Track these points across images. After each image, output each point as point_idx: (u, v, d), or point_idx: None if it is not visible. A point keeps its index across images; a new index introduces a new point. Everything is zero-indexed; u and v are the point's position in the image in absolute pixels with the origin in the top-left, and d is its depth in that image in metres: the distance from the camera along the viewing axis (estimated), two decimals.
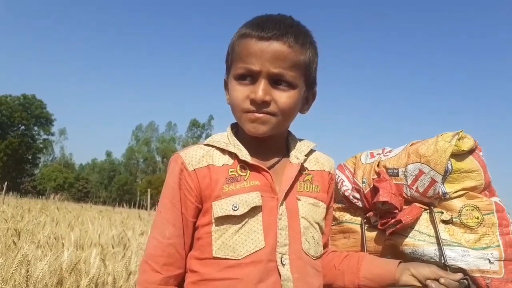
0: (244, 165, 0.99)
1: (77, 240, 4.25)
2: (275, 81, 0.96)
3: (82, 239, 4.50)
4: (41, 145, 65.61)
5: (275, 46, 0.94)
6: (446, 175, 1.14)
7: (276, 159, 1.04)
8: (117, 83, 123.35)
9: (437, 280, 0.99)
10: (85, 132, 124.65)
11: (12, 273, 2.48)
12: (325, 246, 1.14)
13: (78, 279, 2.77)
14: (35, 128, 63.51)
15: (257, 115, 0.95)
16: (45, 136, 66.20)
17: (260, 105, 0.94)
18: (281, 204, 0.97)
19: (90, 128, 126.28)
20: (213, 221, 0.95)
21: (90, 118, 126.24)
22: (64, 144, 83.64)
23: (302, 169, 1.04)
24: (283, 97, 0.96)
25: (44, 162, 76.88)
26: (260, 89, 0.93)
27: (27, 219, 5.73)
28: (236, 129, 1.08)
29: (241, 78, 0.97)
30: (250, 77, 0.96)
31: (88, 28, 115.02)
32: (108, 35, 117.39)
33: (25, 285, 2.41)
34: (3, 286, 2.34)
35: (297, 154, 1.05)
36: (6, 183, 14.80)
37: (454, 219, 1.14)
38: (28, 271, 2.41)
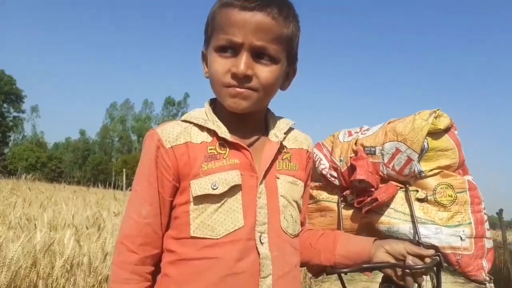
0: (223, 142, 0.96)
1: (50, 221, 4.17)
2: (258, 54, 0.92)
3: (55, 220, 4.42)
4: (11, 123, 63.56)
5: (259, 17, 0.90)
6: (422, 153, 1.15)
7: (255, 137, 1.01)
8: (91, 59, 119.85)
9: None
10: (58, 110, 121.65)
11: None
12: (302, 224, 1.14)
13: (52, 261, 2.73)
14: (5, 105, 61.40)
15: (238, 89, 0.92)
16: (15, 114, 64.18)
17: (242, 79, 0.91)
18: (261, 182, 0.95)
19: (63, 105, 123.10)
20: (191, 200, 0.92)
21: (63, 95, 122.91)
22: (36, 122, 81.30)
23: (281, 147, 1.02)
24: (265, 71, 0.93)
25: (14, 141, 74.64)
26: (242, 63, 0.90)
27: None
28: (214, 105, 1.04)
29: (221, 50, 0.93)
30: (232, 49, 0.92)
31: (60, 2, 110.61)
32: (82, 10, 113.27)
33: None
34: None
35: (276, 132, 1.03)
36: None
37: (428, 197, 1.16)
38: (0, 253, 2.36)
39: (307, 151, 1.10)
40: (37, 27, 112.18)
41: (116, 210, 5.96)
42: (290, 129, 1.08)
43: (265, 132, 1.04)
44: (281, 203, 0.98)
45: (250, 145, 0.99)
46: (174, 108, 79.17)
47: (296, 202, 1.03)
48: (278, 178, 0.99)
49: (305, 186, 1.10)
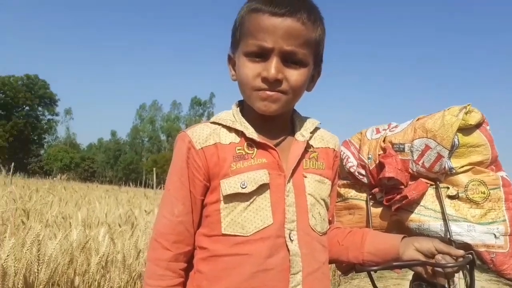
0: (251, 143, 0.98)
1: (84, 219, 4.31)
2: (287, 58, 0.94)
3: (89, 218, 4.56)
4: (46, 126, 65.83)
5: (289, 23, 0.91)
6: (453, 150, 1.13)
7: (282, 137, 1.03)
8: (119, 62, 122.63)
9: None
10: (90, 112, 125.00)
11: (25, 252, 2.53)
12: (330, 222, 1.14)
13: (88, 258, 2.82)
14: (39, 108, 63.60)
15: (269, 93, 0.94)
16: (49, 117, 66.40)
17: (273, 83, 0.93)
18: (288, 181, 0.97)
19: (94, 107, 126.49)
20: (222, 198, 0.95)
21: (94, 97, 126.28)
22: (69, 124, 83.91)
23: (307, 147, 1.03)
24: (295, 75, 0.94)
25: (49, 143, 77.31)
26: (273, 67, 0.91)
27: (35, 199, 5.80)
28: (242, 107, 1.07)
29: (251, 55, 0.94)
30: (262, 54, 0.94)
31: (89, 7, 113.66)
32: (110, 14, 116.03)
33: (37, 264, 2.46)
34: (16, 265, 2.39)
35: (302, 131, 1.05)
36: (13, 164, 14.92)
37: (460, 194, 1.14)
38: (39, 251, 2.46)
39: (334, 150, 1.10)
40: (69, 32, 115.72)
41: (148, 208, 6.08)
42: (316, 129, 1.10)
43: (292, 132, 1.05)
44: (309, 201, 0.99)
45: (277, 145, 1.01)
46: (200, 108, 79.99)
47: (324, 200, 1.04)
48: (306, 176, 1.01)
49: (332, 184, 1.10)
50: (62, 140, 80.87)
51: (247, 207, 0.94)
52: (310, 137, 1.05)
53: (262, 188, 0.94)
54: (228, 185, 0.94)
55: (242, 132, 0.98)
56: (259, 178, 0.94)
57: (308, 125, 1.07)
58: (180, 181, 0.98)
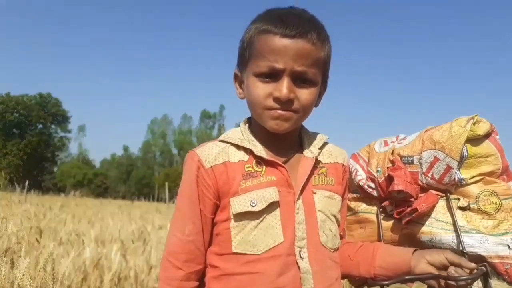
0: (259, 160, 0.99)
1: (97, 236, 4.34)
2: (297, 78, 0.95)
3: (102, 235, 4.59)
4: (59, 143, 66.72)
5: (300, 44, 0.93)
6: (462, 161, 1.13)
7: (290, 154, 1.04)
8: (128, 78, 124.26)
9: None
10: (102, 128, 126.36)
11: (39, 271, 2.55)
12: (341, 237, 1.14)
13: (101, 275, 2.84)
14: (52, 126, 64.51)
15: (281, 112, 0.95)
16: (62, 134, 67.30)
17: (285, 103, 0.94)
18: (298, 198, 0.97)
19: (106, 123, 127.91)
20: (232, 217, 0.96)
21: (105, 114, 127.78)
22: (82, 140, 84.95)
23: (316, 163, 1.04)
24: (305, 94, 0.96)
25: (62, 160, 78.20)
26: (285, 87, 0.93)
27: (49, 217, 5.86)
28: (249, 123, 1.08)
29: (262, 75, 0.96)
30: (273, 74, 0.95)
31: (99, 25, 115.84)
32: (119, 31, 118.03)
33: (52, 283, 2.48)
34: (31, 283, 2.41)
35: (311, 148, 1.05)
36: (27, 181, 15.12)
37: (471, 205, 1.12)
38: (53, 269, 2.48)
39: (343, 164, 1.11)
40: (80, 50, 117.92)
41: (160, 223, 6.11)
42: (325, 144, 1.10)
43: (300, 149, 1.06)
44: (319, 218, 0.99)
45: (285, 162, 1.01)
46: (210, 121, 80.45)
47: (335, 216, 1.04)
48: (315, 193, 1.01)
49: (343, 199, 1.10)
50: (75, 156, 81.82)
51: (257, 225, 0.94)
52: (319, 153, 1.06)
53: (272, 206, 0.95)
54: (238, 204, 0.95)
55: (250, 150, 0.99)
56: (269, 196, 0.95)
57: (316, 141, 1.07)
58: (190, 200, 0.99)
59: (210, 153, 1.00)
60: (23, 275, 2.34)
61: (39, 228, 4.22)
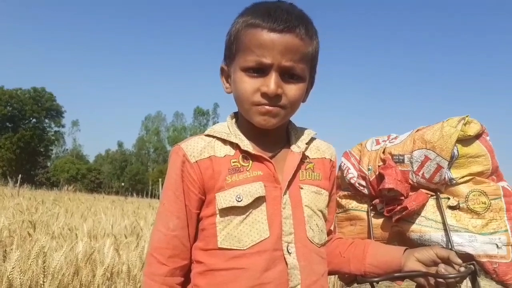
0: (246, 155, 0.98)
1: (90, 231, 4.32)
2: (285, 73, 0.94)
3: (95, 230, 4.58)
4: (52, 137, 66.31)
5: (288, 39, 0.92)
6: (452, 160, 1.14)
7: (277, 149, 1.03)
8: (124, 73, 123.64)
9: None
10: (97, 124, 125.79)
11: (30, 264, 2.54)
12: (329, 233, 1.15)
13: (93, 269, 2.83)
14: (46, 120, 64.14)
15: (268, 108, 0.94)
16: (56, 128, 66.92)
17: (272, 98, 0.93)
18: (284, 193, 0.97)
19: (101, 119, 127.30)
20: (217, 212, 0.95)
21: (100, 109, 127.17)
22: (76, 135, 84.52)
23: (303, 158, 1.04)
24: (293, 89, 0.95)
25: (56, 154, 77.81)
26: (273, 83, 0.92)
27: (41, 211, 5.83)
28: (236, 118, 1.07)
29: (249, 70, 0.95)
30: (260, 69, 0.94)
31: (93, 20, 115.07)
32: (113, 27, 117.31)
33: (43, 276, 2.48)
34: (21, 277, 2.40)
35: (298, 143, 1.05)
36: (20, 175, 15.04)
37: (461, 205, 1.14)
38: (45, 262, 2.47)
39: (330, 160, 1.11)
40: (73, 44, 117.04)
41: (153, 219, 6.10)
42: (312, 139, 1.10)
43: (287, 143, 1.06)
44: (306, 213, 0.99)
45: (272, 157, 1.01)
46: (204, 118, 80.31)
47: (321, 211, 1.04)
48: (302, 188, 1.01)
49: (330, 195, 1.10)
50: (69, 151, 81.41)
51: (243, 221, 0.93)
52: (306, 148, 1.05)
53: (258, 201, 0.94)
54: (224, 199, 0.94)
55: (237, 144, 0.98)
56: (255, 191, 0.94)
57: (304, 136, 1.07)
58: (174, 195, 0.97)
59: (195, 147, 0.98)
60: (13, 268, 2.33)
61: (32, 222, 4.21)
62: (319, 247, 1.01)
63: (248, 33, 0.94)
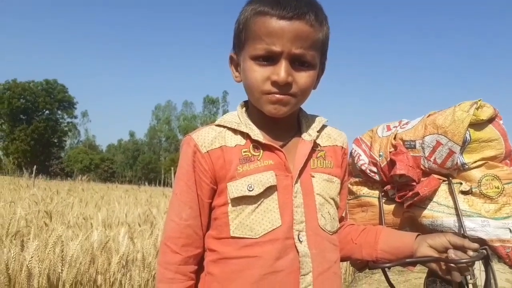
0: (256, 144, 0.98)
1: (104, 220, 4.40)
2: (295, 61, 0.94)
3: (109, 219, 4.65)
4: (66, 128, 67.06)
5: (297, 26, 0.91)
6: (465, 145, 1.12)
7: (288, 137, 1.03)
8: (133, 63, 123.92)
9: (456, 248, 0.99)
10: (109, 114, 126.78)
11: (48, 253, 2.60)
12: (341, 220, 1.15)
13: (109, 257, 2.89)
14: (59, 112, 64.79)
15: (279, 96, 0.94)
16: (68, 120, 67.61)
17: (283, 86, 0.93)
18: (296, 182, 0.97)
19: (113, 109, 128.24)
20: (229, 201, 0.95)
21: (112, 99, 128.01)
22: (87, 126, 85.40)
23: (314, 146, 1.03)
24: (304, 77, 0.95)
25: (71, 145, 78.74)
26: (283, 71, 0.91)
27: (56, 201, 5.94)
28: (246, 107, 1.07)
29: (259, 58, 0.94)
30: (270, 57, 0.93)
31: (104, 11, 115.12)
32: (123, 18, 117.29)
33: (61, 264, 2.54)
34: (40, 266, 2.46)
35: (309, 131, 1.05)
36: (35, 166, 15.28)
37: (473, 190, 1.12)
38: (62, 251, 2.53)
39: (342, 147, 1.10)
40: (84, 36, 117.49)
41: (166, 207, 6.17)
42: (324, 127, 1.09)
43: (298, 132, 1.05)
44: (318, 201, 0.99)
45: (283, 145, 1.01)
46: (213, 107, 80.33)
47: (333, 199, 1.04)
48: (313, 176, 1.01)
49: (342, 182, 1.10)
50: (82, 142, 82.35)
51: (255, 210, 0.94)
52: (317, 136, 1.05)
53: (269, 190, 0.94)
54: (235, 188, 0.94)
55: (247, 134, 0.98)
56: (266, 180, 0.94)
57: (315, 124, 1.07)
58: (186, 185, 0.98)
59: (206, 137, 0.99)
60: (32, 257, 2.39)
61: (47, 212, 4.29)
62: (331, 234, 1.02)
63: (257, 21, 0.93)
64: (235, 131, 1.00)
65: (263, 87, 0.94)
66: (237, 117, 1.04)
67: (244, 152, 0.97)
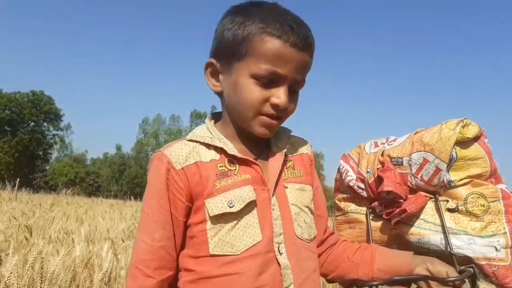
0: (232, 159, 0.97)
1: (87, 235, 4.31)
2: (291, 87, 0.95)
3: (92, 234, 4.56)
4: (51, 141, 66.24)
5: (304, 56, 0.93)
6: (451, 163, 1.14)
7: (259, 150, 1.03)
8: (121, 77, 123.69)
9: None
10: (96, 127, 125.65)
11: (27, 269, 2.52)
12: (330, 233, 1.15)
13: (91, 274, 2.81)
14: (45, 124, 64.10)
15: (273, 122, 0.95)
16: (54, 132, 66.85)
17: (281, 110, 0.94)
18: (272, 195, 0.97)
19: (100, 122, 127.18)
20: (208, 219, 0.92)
21: (98, 112, 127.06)
22: (71, 138, 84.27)
23: (285, 157, 1.04)
24: (294, 102, 0.98)
25: (57, 158, 77.58)
26: (285, 96, 0.93)
27: (38, 215, 5.81)
28: (214, 120, 1.06)
29: (261, 78, 0.92)
30: (273, 80, 0.92)
31: (93, 23, 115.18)
32: (111, 30, 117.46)
33: (40, 281, 2.46)
34: (18, 282, 2.38)
35: (277, 143, 1.05)
36: (18, 179, 15.00)
37: (459, 207, 1.13)
38: (42, 267, 2.45)
39: (307, 154, 1.12)
40: (70, 51, 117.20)
41: None
42: (289, 137, 1.11)
43: (266, 144, 1.06)
44: (293, 211, 0.99)
45: (256, 158, 1.00)
46: (201, 121, 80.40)
47: (308, 207, 1.04)
48: (286, 187, 1.01)
49: (314, 188, 1.10)
50: (69, 155, 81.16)
51: (235, 226, 0.92)
52: (286, 147, 1.06)
53: (249, 206, 0.93)
54: (215, 205, 0.91)
55: (221, 148, 0.97)
56: (246, 195, 0.93)
57: (282, 136, 1.07)
58: (159, 204, 0.93)
59: (180, 153, 0.95)
60: (11, 273, 2.32)
61: (28, 227, 4.19)
62: (308, 242, 1.00)
63: (266, 40, 0.90)
64: (208, 145, 0.97)
65: (260, 108, 0.94)
66: (207, 131, 1.01)
67: (220, 167, 0.95)
